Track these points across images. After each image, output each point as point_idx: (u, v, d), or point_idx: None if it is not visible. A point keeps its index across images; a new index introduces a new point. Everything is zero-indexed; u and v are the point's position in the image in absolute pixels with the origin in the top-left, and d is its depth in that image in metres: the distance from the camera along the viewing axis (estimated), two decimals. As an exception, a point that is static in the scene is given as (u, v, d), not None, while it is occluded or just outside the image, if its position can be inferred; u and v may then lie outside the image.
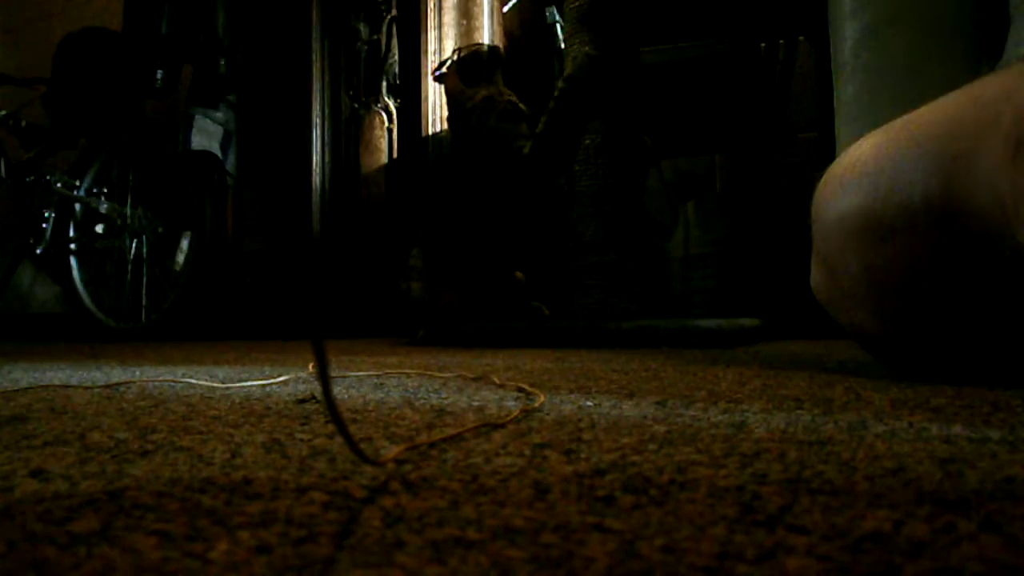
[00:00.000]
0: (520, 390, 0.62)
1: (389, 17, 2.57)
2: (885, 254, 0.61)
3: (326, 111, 2.61)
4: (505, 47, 2.43)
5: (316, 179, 2.57)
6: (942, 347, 0.63)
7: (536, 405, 0.52)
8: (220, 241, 2.49)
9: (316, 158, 2.57)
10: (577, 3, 1.61)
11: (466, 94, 1.83)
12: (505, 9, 2.43)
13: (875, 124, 0.68)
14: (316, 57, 2.59)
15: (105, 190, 2.38)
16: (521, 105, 1.79)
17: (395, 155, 2.54)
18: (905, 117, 0.64)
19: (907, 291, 0.61)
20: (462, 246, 1.76)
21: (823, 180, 0.69)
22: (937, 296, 0.60)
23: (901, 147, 0.61)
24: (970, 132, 0.55)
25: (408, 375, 0.79)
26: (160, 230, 2.33)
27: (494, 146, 1.72)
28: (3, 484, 0.29)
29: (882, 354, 0.70)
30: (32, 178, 2.32)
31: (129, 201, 2.34)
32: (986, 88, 0.56)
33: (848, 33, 1.27)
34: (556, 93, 1.61)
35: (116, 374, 0.85)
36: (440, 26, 2.48)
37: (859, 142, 0.67)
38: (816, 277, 0.71)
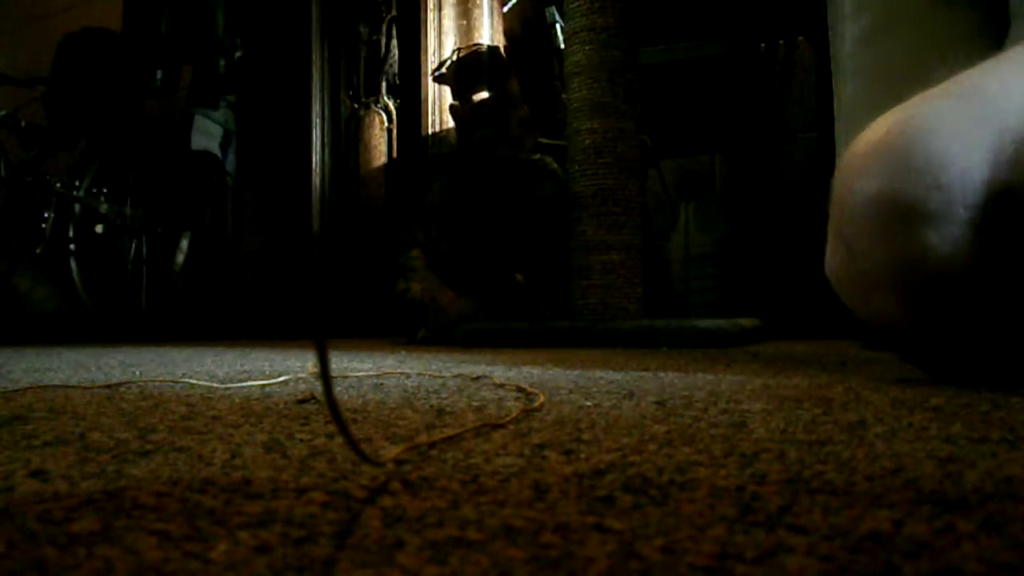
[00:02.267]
0: (520, 390, 0.62)
1: (389, 17, 2.57)
2: (919, 239, 0.55)
3: (326, 111, 2.61)
4: (505, 47, 2.43)
5: (316, 179, 2.57)
6: (982, 341, 0.58)
7: (536, 405, 0.52)
8: (219, 241, 2.49)
9: (316, 158, 2.57)
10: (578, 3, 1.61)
11: (476, 119, 1.82)
12: (505, 9, 2.43)
13: None
14: (316, 57, 2.59)
15: (105, 190, 2.38)
16: (538, 139, 1.79)
17: (395, 155, 2.55)
18: (943, 85, 0.57)
19: (946, 279, 0.55)
20: (462, 247, 1.76)
21: (846, 157, 0.63)
22: (985, 283, 0.54)
23: (943, 117, 0.55)
24: None
25: (408, 375, 0.79)
26: (160, 230, 2.33)
27: (501, 172, 1.72)
28: (3, 484, 0.29)
29: (907, 346, 0.65)
30: (32, 178, 2.32)
31: (129, 201, 2.34)
32: None
33: (848, 35, 1.26)
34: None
35: (116, 374, 0.85)
36: (440, 26, 2.48)
37: (884, 116, 0.61)
38: (833, 261, 0.65)
